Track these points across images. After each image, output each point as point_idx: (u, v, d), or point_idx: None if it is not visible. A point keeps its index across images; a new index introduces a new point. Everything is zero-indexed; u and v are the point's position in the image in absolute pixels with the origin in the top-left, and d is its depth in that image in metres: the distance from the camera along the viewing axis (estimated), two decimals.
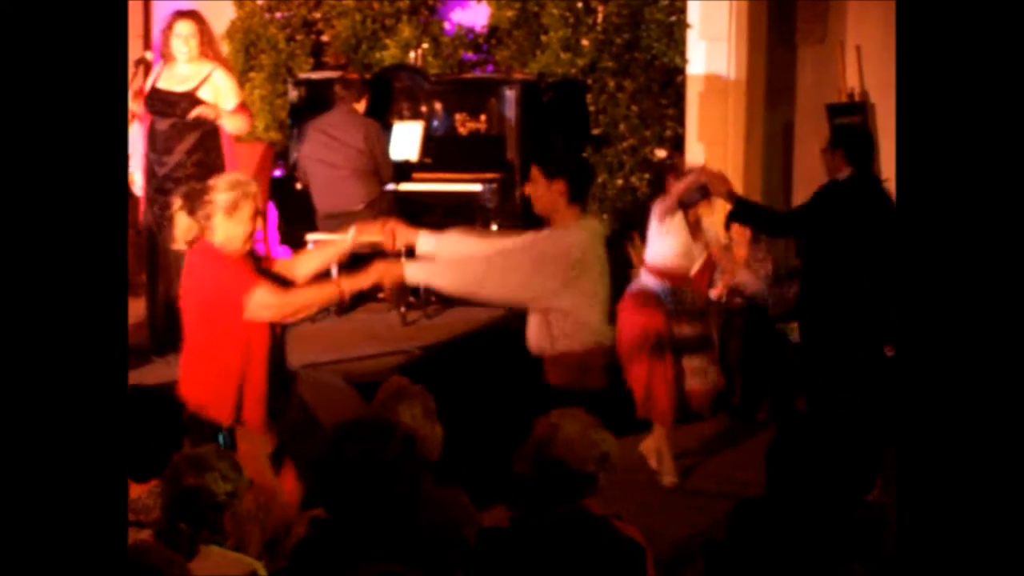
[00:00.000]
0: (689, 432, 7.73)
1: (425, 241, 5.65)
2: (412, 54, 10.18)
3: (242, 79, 10.15)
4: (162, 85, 7.67)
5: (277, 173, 9.65)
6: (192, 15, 7.68)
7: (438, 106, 9.60)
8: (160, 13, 8.93)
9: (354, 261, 6.08)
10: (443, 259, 5.61)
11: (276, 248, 9.47)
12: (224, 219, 5.44)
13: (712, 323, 7.89)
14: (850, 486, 3.81)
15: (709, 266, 7.99)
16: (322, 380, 7.27)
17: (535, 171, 5.71)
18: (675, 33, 9.90)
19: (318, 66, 10.45)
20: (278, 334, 5.58)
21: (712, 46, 9.85)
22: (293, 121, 9.77)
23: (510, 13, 10.15)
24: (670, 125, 9.97)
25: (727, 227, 7.58)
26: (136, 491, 4.25)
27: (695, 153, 9.92)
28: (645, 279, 7.58)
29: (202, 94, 7.58)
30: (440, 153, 9.40)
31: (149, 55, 8.01)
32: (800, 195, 10.22)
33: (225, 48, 10.21)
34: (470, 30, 10.38)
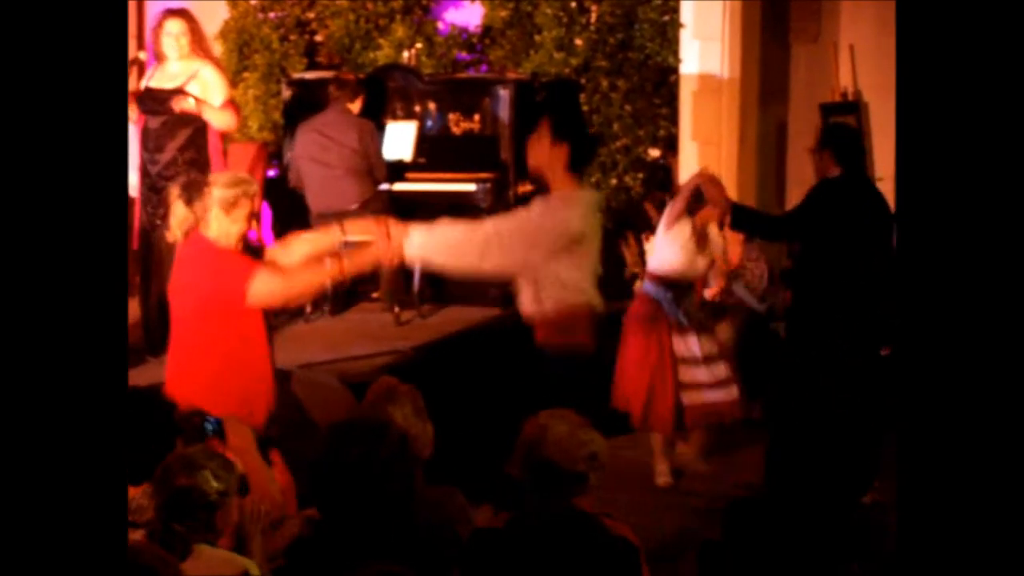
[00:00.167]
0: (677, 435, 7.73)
1: (418, 234, 5.63)
2: (406, 54, 10.17)
3: (236, 79, 10.16)
4: (153, 84, 7.70)
5: (271, 173, 9.65)
6: (181, 13, 7.69)
7: (432, 106, 9.60)
8: (153, 13, 8.93)
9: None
10: (441, 238, 5.58)
11: (269, 246, 9.47)
12: (220, 215, 5.43)
13: (724, 329, 7.80)
14: (847, 486, 3.82)
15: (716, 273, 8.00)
16: (316, 380, 7.28)
17: (545, 127, 5.64)
18: (668, 32, 9.91)
19: (312, 66, 10.44)
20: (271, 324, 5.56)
21: (705, 45, 9.86)
22: (287, 121, 9.76)
23: (503, 13, 10.15)
24: (663, 124, 9.97)
25: (720, 227, 7.57)
26: (130, 492, 4.25)
27: (689, 152, 9.93)
28: (648, 288, 7.55)
29: (190, 90, 7.59)
30: (434, 153, 9.40)
31: (143, 55, 8.03)
32: (793, 193, 10.23)
33: (218, 48, 10.22)
34: (464, 30, 10.38)
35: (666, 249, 7.46)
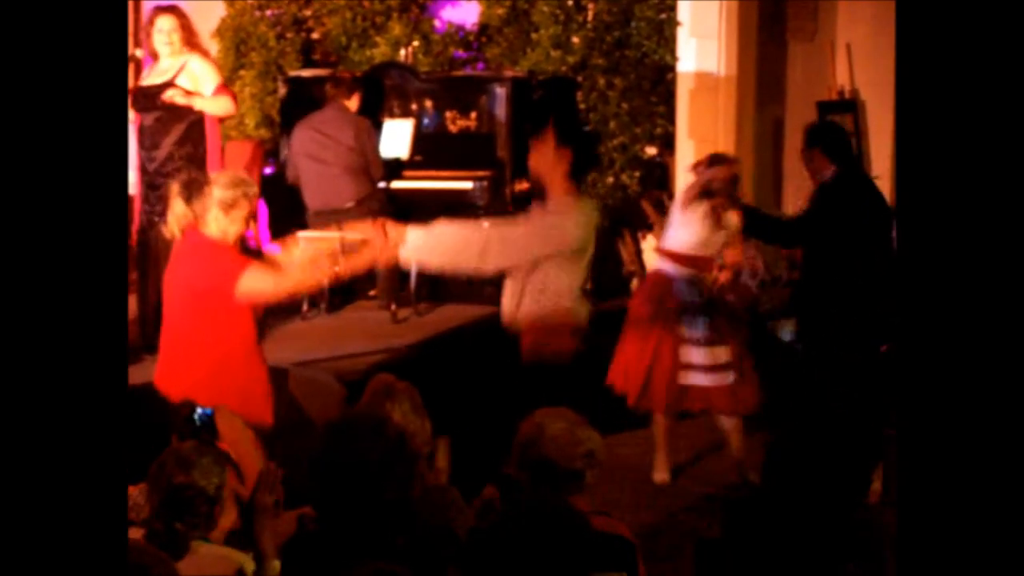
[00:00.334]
0: (681, 429, 7.71)
1: (415, 235, 5.64)
2: (402, 52, 10.18)
3: (232, 77, 10.16)
4: (146, 82, 7.70)
5: (267, 171, 9.65)
6: (171, 10, 7.69)
7: (428, 104, 9.60)
8: (147, 10, 8.93)
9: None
10: (438, 240, 5.59)
11: (267, 245, 9.47)
12: (219, 215, 5.45)
13: (728, 319, 7.68)
14: (847, 485, 3.82)
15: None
16: (313, 377, 7.28)
17: (550, 132, 5.65)
18: (665, 31, 9.91)
19: (308, 64, 10.45)
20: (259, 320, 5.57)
21: (702, 43, 9.86)
22: (283, 119, 9.76)
23: (500, 11, 10.16)
24: (660, 122, 9.97)
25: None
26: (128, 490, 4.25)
27: (685, 150, 9.93)
28: (662, 264, 7.53)
29: (180, 83, 7.59)
30: (430, 151, 9.40)
31: (139, 52, 8.02)
32: (790, 191, 10.26)
33: (215, 46, 10.22)
34: (460, 28, 10.38)
35: (682, 227, 7.41)
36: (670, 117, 9.98)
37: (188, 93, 7.56)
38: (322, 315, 8.76)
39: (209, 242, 5.44)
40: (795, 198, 9.91)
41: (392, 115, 9.58)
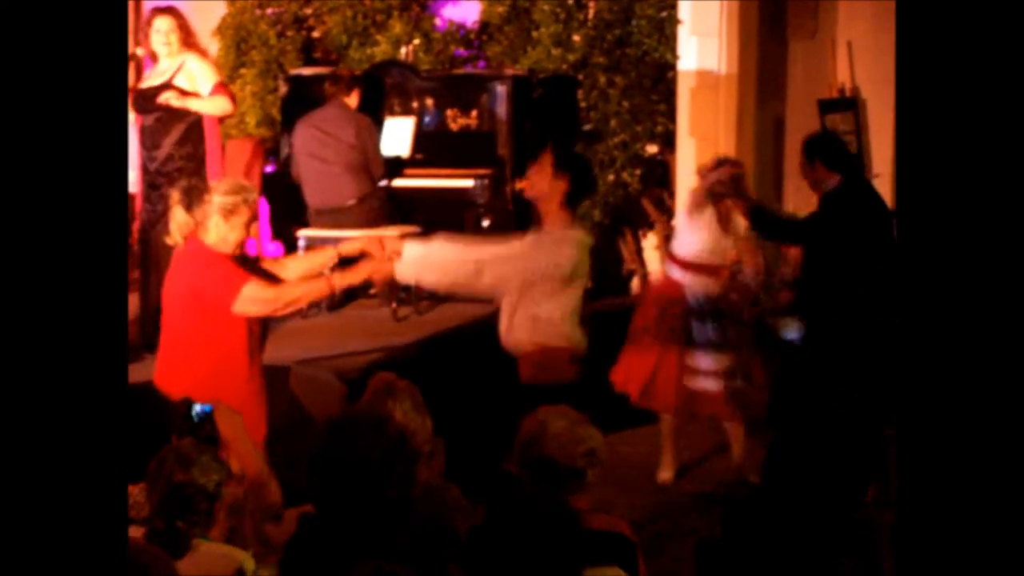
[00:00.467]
0: (684, 429, 7.71)
1: (412, 249, 5.66)
2: (403, 50, 10.17)
3: (233, 75, 10.17)
4: (145, 83, 7.71)
5: (268, 169, 9.65)
6: (169, 10, 7.70)
7: (429, 102, 9.59)
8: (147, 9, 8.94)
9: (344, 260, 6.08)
10: (434, 258, 5.63)
11: (267, 244, 9.48)
12: (220, 221, 5.48)
13: (738, 326, 7.65)
14: (846, 485, 3.83)
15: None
16: (314, 376, 7.28)
17: (548, 157, 5.66)
18: (666, 29, 9.91)
19: (309, 62, 10.44)
20: (256, 331, 5.60)
21: (703, 42, 9.85)
22: (284, 117, 9.76)
23: (501, 9, 10.15)
24: (661, 121, 9.97)
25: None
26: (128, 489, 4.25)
27: (686, 149, 9.93)
28: (671, 271, 7.51)
29: (177, 82, 7.60)
30: (431, 149, 9.40)
31: (140, 51, 8.03)
32: (790, 189, 10.24)
33: (216, 44, 10.22)
34: (461, 26, 10.38)
35: (689, 233, 7.40)
36: (671, 115, 9.97)
37: (185, 94, 7.56)
38: (323, 313, 8.76)
39: (208, 253, 5.48)
40: (795, 196, 9.90)
41: (393, 113, 9.58)
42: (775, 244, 8.88)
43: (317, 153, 8.78)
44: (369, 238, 5.88)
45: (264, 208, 9.47)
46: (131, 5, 10.11)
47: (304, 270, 5.81)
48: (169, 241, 5.71)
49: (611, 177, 9.84)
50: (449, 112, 9.53)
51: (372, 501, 3.69)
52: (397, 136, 9.38)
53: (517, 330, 5.60)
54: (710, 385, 7.30)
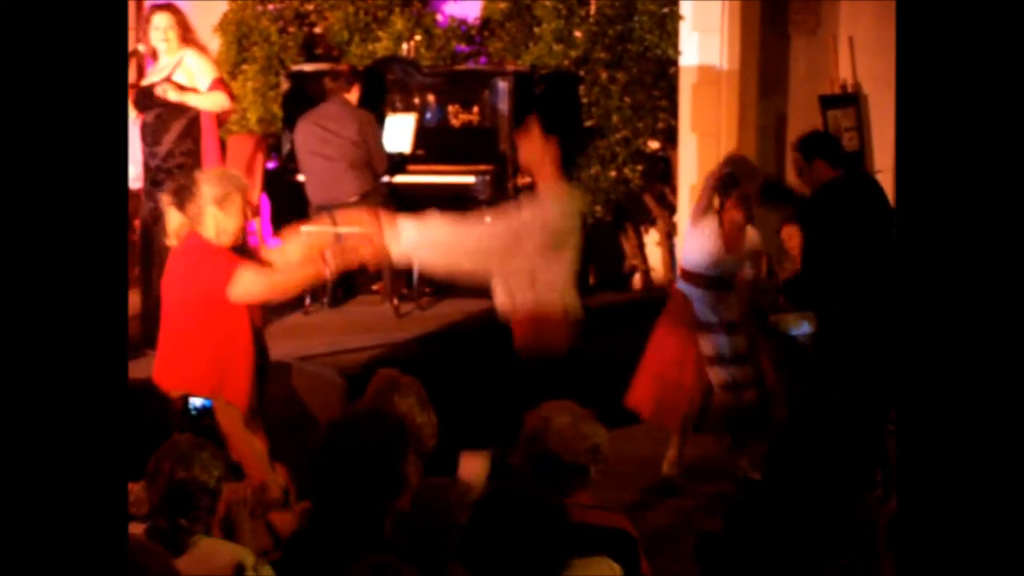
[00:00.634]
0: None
1: (408, 226, 5.66)
2: (405, 46, 10.16)
3: (234, 71, 10.16)
4: (146, 81, 7.73)
5: (270, 165, 9.65)
6: (167, 7, 7.72)
7: (431, 98, 9.59)
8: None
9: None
10: (428, 237, 5.63)
11: (269, 240, 9.47)
12: (216, 211, 5.48)
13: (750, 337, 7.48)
14: (848, 480, 3.83)
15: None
16: (315, 372, 7.28)
17: (534, 123, 5.68)
18: (668, 25, 9.90)
19: (310, 58, 10.44)
20: (258, 325, 5.60)
21: (705, 37, 9.85)
22: (285, 113, 9.76)
23: (503, 5, 10.14)
24: (663, 116, 9.96)
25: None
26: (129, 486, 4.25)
27: (688, 144, 9.92)
28: (681, 285, 7.43)
29: (176, 78, 7.61)
30: (433, 145, 9.40)
31: (141, 47, 8.03)
32: (792, 185, 10.22)
33: (217, 41, 10.22)
34: (463, 22, 10.37)
35: (693, 244, 7.33)
36: (672, 111, 9.97)
37: (182, 88, 7.56)
38: (324, 310, 8.76)
39: (203, 244, 5.49)
40: (796, 194, 9.89)
41: (395, 109, 9.58)
42: (775, 245, 8.90)
43: (319, 150, 8.77)
44: (366, 215, 5.84)
45: (266, 205, 9.47)
46: (131, 2, 10.12)
47: (303, 251, 5.78)
48: (169, 243, 5.73)
49: (613, 173, 9.82)
50: (451, 108, 9.53)
51: (372, 496, 3.70)
52: (399, 132, 9.38)
53: (514, 290, 5.58)
54: (724, 398, 7.27)
